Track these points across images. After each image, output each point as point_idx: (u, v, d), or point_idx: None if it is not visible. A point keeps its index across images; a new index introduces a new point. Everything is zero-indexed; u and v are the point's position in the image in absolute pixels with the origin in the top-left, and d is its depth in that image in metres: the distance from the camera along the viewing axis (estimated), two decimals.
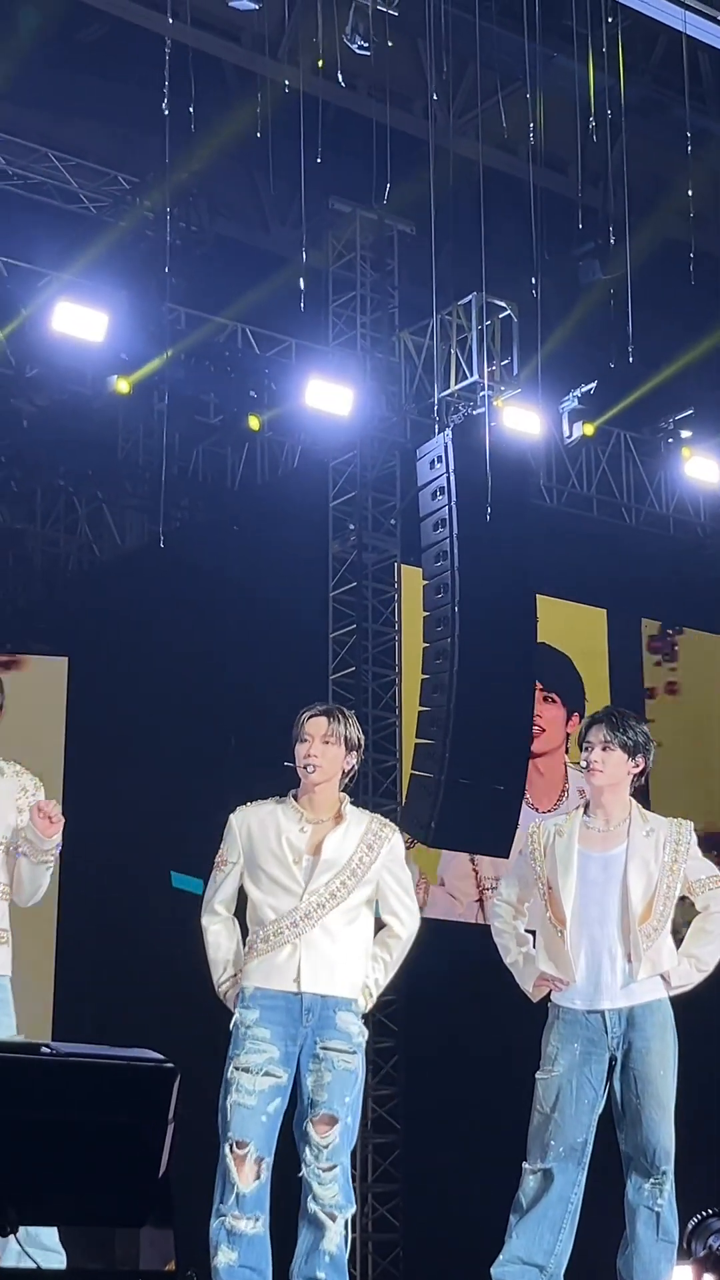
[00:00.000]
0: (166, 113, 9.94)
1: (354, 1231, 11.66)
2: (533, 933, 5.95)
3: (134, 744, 11.91)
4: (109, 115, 12.75)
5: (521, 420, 12.43)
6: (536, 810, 13.25)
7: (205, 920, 5.61)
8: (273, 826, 5.53)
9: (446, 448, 12.02)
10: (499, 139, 12.23)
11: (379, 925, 5.66)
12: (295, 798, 5.61)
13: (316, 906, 5.43)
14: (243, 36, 12.20)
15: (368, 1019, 5.57)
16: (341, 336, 13.01)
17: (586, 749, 5.90)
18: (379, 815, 5.75)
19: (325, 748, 5.55)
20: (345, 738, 5.58)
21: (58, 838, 5.39)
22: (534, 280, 11.22)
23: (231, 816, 5.62)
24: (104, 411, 12.31)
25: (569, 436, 13.31)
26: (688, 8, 11.74)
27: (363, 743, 5.69)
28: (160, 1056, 3.92)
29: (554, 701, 13.84)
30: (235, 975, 5.48)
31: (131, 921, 11.71)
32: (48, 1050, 3.49)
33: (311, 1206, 5.32)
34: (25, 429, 12.12)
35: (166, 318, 12.01)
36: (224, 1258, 5.21)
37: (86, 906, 11.69)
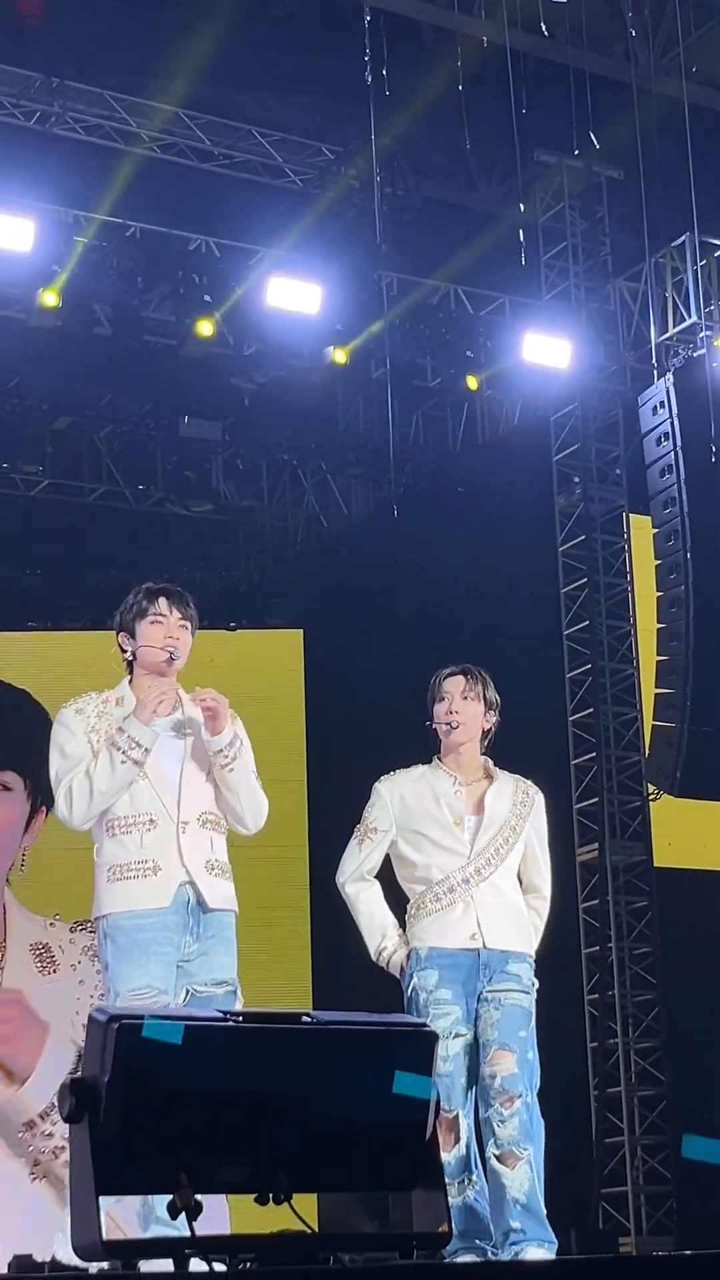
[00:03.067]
0: (368, 79, 9.93)
1: (625, 1185, 11.66)
2: None
3: (371, 710, 11.94)
4: (308, 88, 12.77)
5: None
6: None
7: (355, 888, 5.61)
8: (428, 791, 5.57)
9: (668, 392, 11.84)
10: (703, 75, 12.00)
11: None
12: (441, 760, 5.63)
13: (486, 864, 5.46)
14: None
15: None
16: (555, 289, 12.88)
17: None
18: (521, 776, 5.71)
19: (465, 704, 5.58)
20: (484, 696, 5.61)
21: (228, 733, 5.14)
22: None
23: (379, 785, 5.66)
24: (323, 383, 12.36)
25: None
26: None
27: (499, 704, 5.67)
28: (420, 1020, 3.93)
29: None
30: (401, 938, 5.50)
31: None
32: (308, 1019, 3.53)
33: (491, 1151, 5.25)
34: (247, 406, 12.23)
35: (379, 284, 12.01)
36: None
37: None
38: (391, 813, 5.59)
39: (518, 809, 5.56)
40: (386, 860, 5.65)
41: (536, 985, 5.48)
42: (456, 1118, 5.25)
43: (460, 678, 5.63)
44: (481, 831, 5.49)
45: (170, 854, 5.10)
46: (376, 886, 5.62)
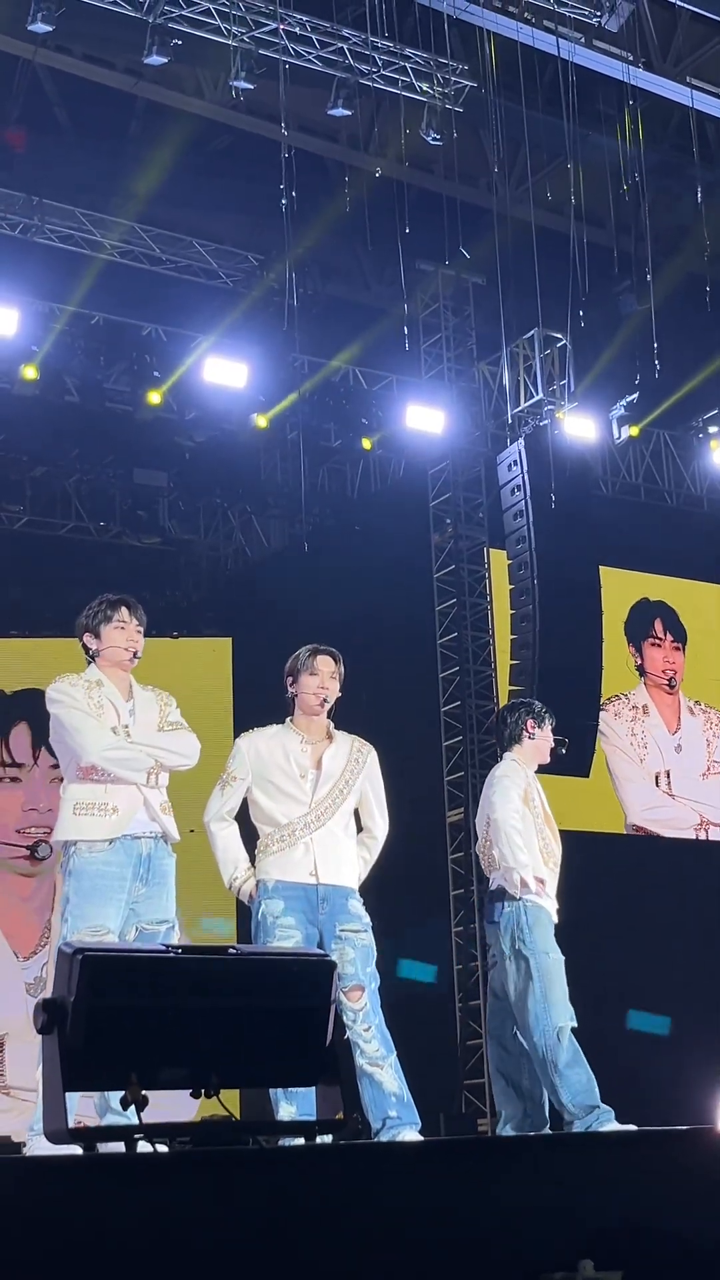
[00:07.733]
0: (284, 203, 9.92)
1: (482, 1078, 11.62)
2: None
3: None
4: (238, 207, 12.75)
5: (579, 427, 12.29)
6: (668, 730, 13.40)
7: (217, 826, 5.33)
8: (279, 747, 5.35)
9: (520, 453, 11.93)
10: (548, 203, 12.07)
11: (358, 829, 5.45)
12: (293, 722, 5.43)
13: (324, 812, 5.25)
14: (340, 137, 12.13)
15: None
16: (432, 370, 12.92)
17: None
18: (358, 736, 5.51)
19: (333, 682, 5.42)
20: (340, 675, 5.46)
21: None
22: (580, 314, 11.10)
23: (239, 740, 5.44)
24: (248, 443, 12.34)
25: (618, 438, 13.15)
26: (694, 88, 11.57)
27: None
28: (322, 952, 3.92)
29: (680, 649, 13.90)
30: (249, 871, 5.28)
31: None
32: (234, 951, 3.52)
33: (360, 1061, 5.09)
34: (188, 460, 12.21)
35: (293, 365, 12.01)
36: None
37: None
38: (248, 764, 5.34)
39: (352, 765, 5.35)
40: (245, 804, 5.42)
41: (367, 916, 5.29)
42: None
43: (330, 659, 5.45)
44: (320, 784, 5.28)
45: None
46: (233, 827, 5.35)
